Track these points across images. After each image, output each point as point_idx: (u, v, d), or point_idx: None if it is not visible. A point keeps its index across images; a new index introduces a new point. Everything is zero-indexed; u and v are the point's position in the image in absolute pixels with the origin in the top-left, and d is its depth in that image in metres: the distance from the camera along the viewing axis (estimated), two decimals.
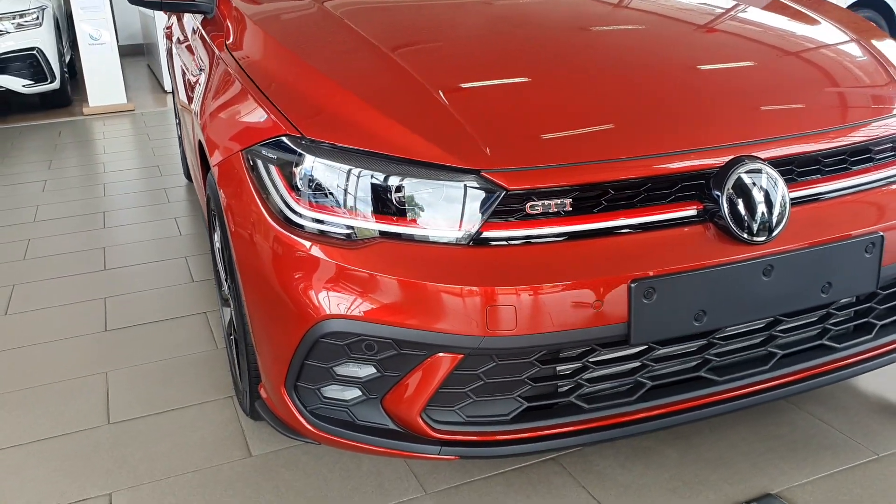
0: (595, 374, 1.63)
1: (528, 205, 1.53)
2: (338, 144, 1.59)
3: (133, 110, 7.50)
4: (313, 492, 1.89)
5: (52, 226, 4.07)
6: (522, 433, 1.60)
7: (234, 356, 2.17)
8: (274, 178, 1.63)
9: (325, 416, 1.65)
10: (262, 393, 1.83)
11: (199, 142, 2.17)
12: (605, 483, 1.86)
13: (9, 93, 7.18)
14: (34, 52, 7.18)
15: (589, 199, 1.55)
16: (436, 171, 1.54)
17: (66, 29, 8.56)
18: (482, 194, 1.52)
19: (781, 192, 1.58)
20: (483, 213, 1.52)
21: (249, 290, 1.72)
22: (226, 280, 2.17)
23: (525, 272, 1.49)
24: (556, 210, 1.54)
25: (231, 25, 2.23)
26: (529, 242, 1.52)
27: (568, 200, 1.54)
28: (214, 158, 1.85)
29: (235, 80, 1.94)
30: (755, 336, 1.72)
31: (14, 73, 7.13)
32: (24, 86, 7.18)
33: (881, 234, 1.67)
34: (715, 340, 1.68)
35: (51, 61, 7.26)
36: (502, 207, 1.53)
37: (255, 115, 1.76)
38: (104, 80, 7.46)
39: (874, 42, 2.08)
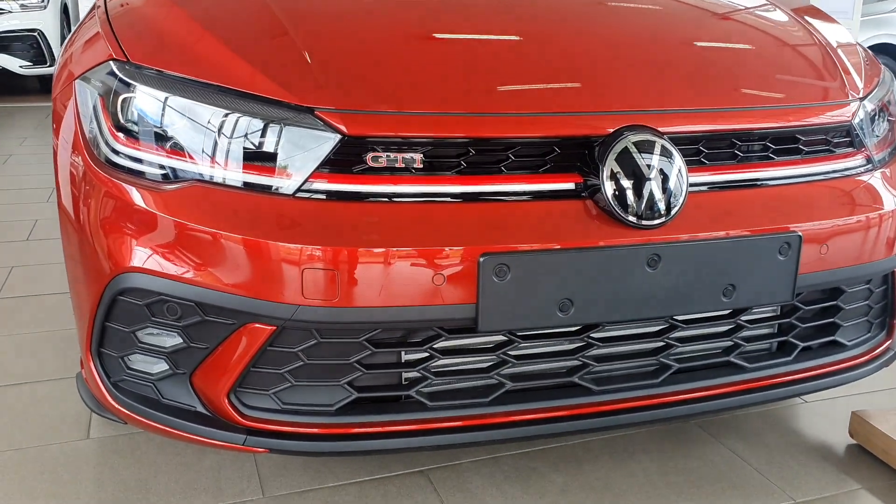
0: (442, 365, 1.38)
1: (370, 156, 1.29)
2: (164, 71, 1.37)
3: None
4: (137, 482, 1.65)
5: None
6: (348, 428, 1.35)
7: None
8: (96, 108, 1.41)
9: (129, 391, 1.41)
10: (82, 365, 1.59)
11: None
12: None
13: (10, 75, 7.09)
14: (35, 33, 7.10)
15: (445, 157, 1.32)
16: (263, 107, 1.30)
17: (76, 18, 8.52)
18: (315, 138, 1.29)
19: (677, 170, 1.34)
20: (314, 161, 1.28)
21: (64, 237, 1.50)
22: None
23: (354, 233, 1.25)
24: (403, 166, 1.30)
25: None
26: (366, 200, 1.29)
27: (418, 156, 1.30)
28: (53, 93, 1.64)
29: (97, 20, 1.73)
30: (646, 341, 1.47)
31: (13, 53, 7.05)
32: (21, 66, 7.09)
33: (799, 234, 1.41)
34: (593, 341, 1.42)
35: (52, 45, 7.18)
36: (338, 156, 1.29)
37: (95, 47, 1.54)
38: None
39: (826, 33, 1.82)
